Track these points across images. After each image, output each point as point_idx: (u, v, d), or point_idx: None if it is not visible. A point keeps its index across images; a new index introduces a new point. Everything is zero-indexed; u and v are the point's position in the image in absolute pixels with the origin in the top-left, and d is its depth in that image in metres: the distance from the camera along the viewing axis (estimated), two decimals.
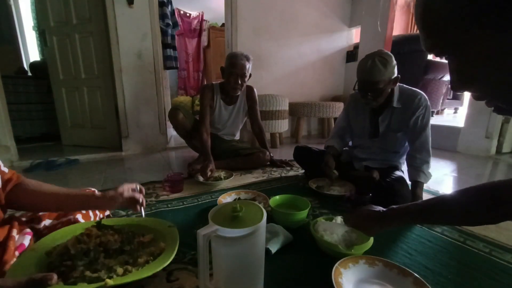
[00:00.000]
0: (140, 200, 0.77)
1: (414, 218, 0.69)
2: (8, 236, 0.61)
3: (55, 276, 0.42)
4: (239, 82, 1.65)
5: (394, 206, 0.73)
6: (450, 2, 0.29)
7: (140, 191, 0.80)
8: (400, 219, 0.70)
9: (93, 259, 0.52)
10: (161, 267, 0.55)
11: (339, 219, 0.92)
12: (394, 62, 1.16)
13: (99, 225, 0.61)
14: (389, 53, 1.16)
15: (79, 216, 0.79)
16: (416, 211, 0.67)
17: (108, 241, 0.57)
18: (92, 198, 0.71)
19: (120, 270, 0.53)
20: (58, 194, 0.68)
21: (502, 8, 0.26)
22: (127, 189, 0.75)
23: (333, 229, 0.85)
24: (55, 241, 0.56)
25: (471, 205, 0.56)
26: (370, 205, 0.80)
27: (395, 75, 1.16)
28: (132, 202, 0.76)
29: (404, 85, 1.25)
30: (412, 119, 1.20)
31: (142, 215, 0.80)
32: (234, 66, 1.61)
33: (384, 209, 0.75)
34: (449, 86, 0.36)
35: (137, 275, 0.55)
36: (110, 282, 0.51)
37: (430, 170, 1.19)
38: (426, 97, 1.20)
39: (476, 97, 0.34)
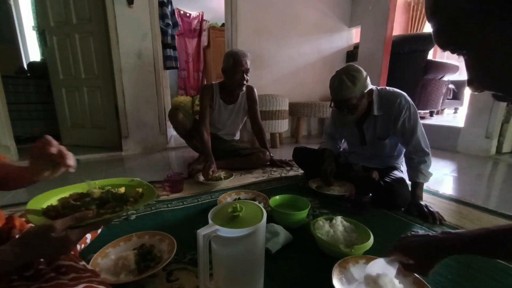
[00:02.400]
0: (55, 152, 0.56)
1: (478, 247, 0.52)
2: (9, 237, 0.62)
3: (91, 212, 0.54)
4: (245, 77, 1.69)
5: (451, 231, 0.56)
6: (462, 1, 0.28)
7: (47, 143, 0.56)
8: (462, 248, 0.53)
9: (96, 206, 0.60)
10: (155, 194, 0.69)
11: (339, 219, 0.92)
12: (364, 75, 1.14)
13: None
14: (358, 67, 1.14)
15: None
16: (481, 238, 0.52)
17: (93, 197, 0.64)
18: (24, 168, 0.61)
19: (125, 208, 0.62)
20: (12, 165, 0.65)
21: None
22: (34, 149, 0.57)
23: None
24: (44, 202, 0.62)
25: None
26: (417, 235, 0.61)
27: (368, 88, 1.15)
28: (46, 158, 0.57)
29: (384, 89, 1.23)
30: (399, 124, 1.17)
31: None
32: (239, 63, 1.64)
33: (437, 234, 0.57)
34: (467, 86, 0.34)
35: (144, 201, 0.65)
36: (129, 208, 0.61)
37: (430, 170, 1.18)
38: (408, 97, 1.18)
39: (498, 97, 0.32)
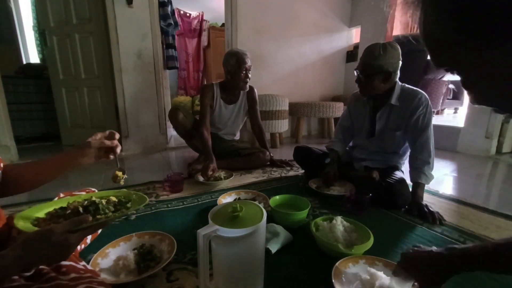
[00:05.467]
0: (112, 145, 0.72)
1: (486, 264, 0.51)
2: (9, 237, 0.62)
3: (90, 216, 0.54)
4: (249, 75, 1.72)
5: (455, 247, 0.55)
6: (438, 27, 0.31)
7: (112, 137, 0.74)
8: (468, 265, 0.52)
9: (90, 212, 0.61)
10: (146, 199, 0.70)
11: (339, 219, 0.92)
12: (397, 57, 1.14)
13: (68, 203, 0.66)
14: (396, 46, 1.15)
15: None
16: (488, 254, 0.50)
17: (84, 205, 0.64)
18: (62, 155, 0.70)
19: (121, 210, 0.64)
20: (34, 162, 0.69)
21: (485, 29, 0.27)
22: (95, 138, 0.72)
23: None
24: (30, 216, 0.62)
25: None
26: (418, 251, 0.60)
27: (390, 69, 1.14)
28: (103, 150, 0.73)
29: (407, 85, 1.24)
30: (413, 119, 1.18)
31: (116, 163, 0.78)
32: (244, 61, 1.67)
33: (441, 251, 0.55)
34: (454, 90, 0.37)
35: (137, 204, 0.67)
36: (124, 210, 0.63)
37: (433, 172, 1.18)
38: (427, 97, 1.19)
39: (494, 111, 0.35)
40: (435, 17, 0.31)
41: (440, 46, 0.33)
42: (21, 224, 0.56)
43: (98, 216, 0.59)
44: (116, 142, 0.74)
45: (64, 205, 0.66)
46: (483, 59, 0.29)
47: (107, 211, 0.62)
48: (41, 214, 0.64)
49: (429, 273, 0.54)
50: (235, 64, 1.66)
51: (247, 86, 1.77)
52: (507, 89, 0.30)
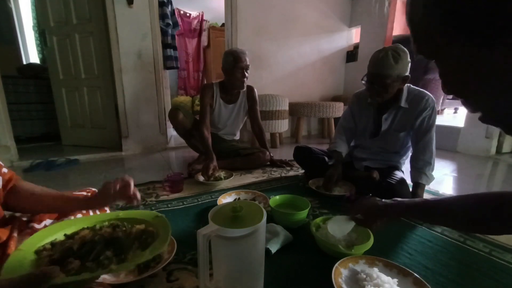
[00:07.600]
0: (132, 192, 0.72)
1: (415, 213, 0.68)
2: (10, 237, 0.61)
3: (57, 269, 0.37)
4: (246, 74, 1.69)
5: (397, 199, 0.73)
6: (426, 18, 0.31)
7: (127, 184, 0.72)
8: (402, 212, 0.71)
9: (93, 252, 0.50)
10: (165, 246, 0.54)
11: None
12: (408, 60, 1.12)
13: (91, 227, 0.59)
14: (405, 49, 1.12)
15: (79, 216, 0.79)
16: (418, 207, 0.66)
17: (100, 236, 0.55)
18: (83, 201, 0.72)
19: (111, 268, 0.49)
20: (52, 196, 0.70)
21: (472, 25, 0.27)
22: (114, 186, 0.71)
23: (340, 227, 0.83)
24: (43, 239, 0.54)
25: (476, 211, 0.54)
26: (372, 198, 0.80)
27: (406, 73, 1.13)
28: (124, 196, 0.73)
29: (412, 86, 1.23)
30: (418, 120, 1.19)
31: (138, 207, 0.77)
32: (239, 60, 1.65)
33: (387, 201, 0.74)
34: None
35: (138, 259, 0.50)
36: (114, 268, 0.48)
37: (433, 172, 1.19)
38: (434, 98, 1.19)
39: (462, 103, 0.36)
40: (423, 6, 0.31)
41: (424, 35, 0.33)
42: (9, 262, 0.46)
43: (88, 264, 0.47)
44: (134, 189, 0.73)
45: (87, 225, 0.57)
46: (462, 54, 0.29)
47: (102, 258, 0.49)
48: (58, 235, 0.54)
49: (370, 214, 0.78)
50: (232, 62, 1.66)
51: (244, 85, 1.75)
52: (476, 86, 0.31)
